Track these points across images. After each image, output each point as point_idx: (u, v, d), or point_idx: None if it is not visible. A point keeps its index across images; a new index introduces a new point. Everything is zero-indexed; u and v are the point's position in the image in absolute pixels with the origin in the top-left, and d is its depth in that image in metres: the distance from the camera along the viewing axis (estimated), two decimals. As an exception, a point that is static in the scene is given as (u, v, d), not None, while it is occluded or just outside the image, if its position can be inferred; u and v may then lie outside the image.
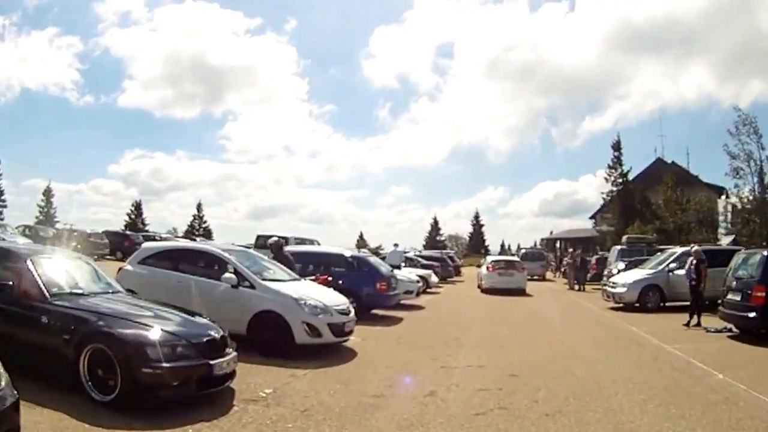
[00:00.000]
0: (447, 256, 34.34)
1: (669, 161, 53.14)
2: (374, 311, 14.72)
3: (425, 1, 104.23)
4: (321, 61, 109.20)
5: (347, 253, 15.19)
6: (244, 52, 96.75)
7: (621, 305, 17.79)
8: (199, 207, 73.34)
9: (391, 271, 15.54)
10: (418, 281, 18.01)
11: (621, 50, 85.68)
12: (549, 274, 39.23)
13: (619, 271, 21.24)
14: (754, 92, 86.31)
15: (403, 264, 25.02)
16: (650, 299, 17.61)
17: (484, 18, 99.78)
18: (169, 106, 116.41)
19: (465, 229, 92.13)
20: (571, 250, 28.54)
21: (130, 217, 68.00)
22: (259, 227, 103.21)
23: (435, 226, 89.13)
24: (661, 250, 21.33)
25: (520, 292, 23.69)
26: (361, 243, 77.86)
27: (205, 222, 72.92)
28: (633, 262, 21.78)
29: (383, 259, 21.46)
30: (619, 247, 25.48)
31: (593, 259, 28.52)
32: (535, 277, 35.44)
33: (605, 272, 22.92)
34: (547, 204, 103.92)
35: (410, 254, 29.37)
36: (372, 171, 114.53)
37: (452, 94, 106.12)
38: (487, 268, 25.41)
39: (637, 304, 17.43)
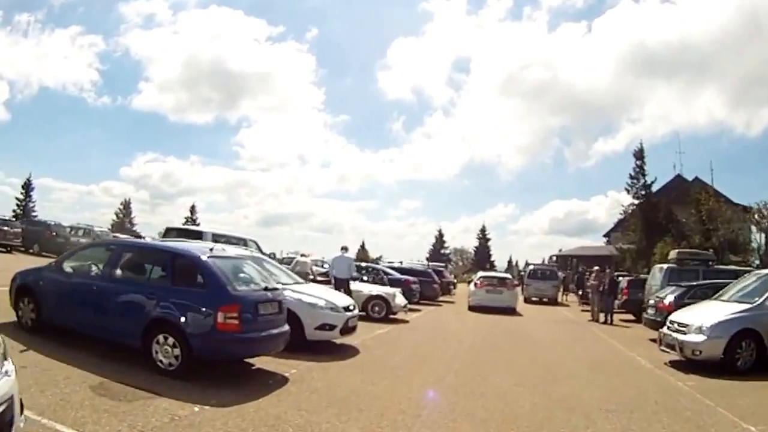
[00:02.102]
0: (434, 269, 26.14)
1: (689, 179, 45.39)
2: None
3: (445, 15, 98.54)
4: (338, 71, 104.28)
5: (189, 251, 7.50)
6: (264, 58, 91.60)
7: (685, 359, 10.08)
8: (192, 209, 66.63)
9: (270, 288, 7.68)
10: (351, 308, 10.13)
11: (635, 74, 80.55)
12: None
13: (673, 304, 13.34)
14: (766, 120, 78.46)
15: (365, 278, 17.39)
16: (743, 354, 9.77)
17: (502, 35, 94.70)
18: (184, 110, 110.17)
19: (473, 244, 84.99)
20: (596, 268, 20.37)
21: (117, 216, 61.60)
22: (268, 235, 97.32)
23: (440, 239, 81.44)
24: (741, 273, 13.38)
25: (510, 311, 20.40)
26: (363, 253, 71.83)
27: (198, 225, 66.24)
28: (692, 289, 13.89)
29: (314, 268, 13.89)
30: (665, 266, 17.41)
31: (624, 282, 20.38)
32: (545, 300, 27.59)
33: (649, 300, 14.89)
34: (557, 222, 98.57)
35: (378, 263, 21.40)
36: (383, 183, 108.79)
37: (466, 110, 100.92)
38: (475, 284, 21.89)
39: (722, 357, 9.64)
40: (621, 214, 48.21)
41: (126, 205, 61.05)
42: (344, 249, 14.50)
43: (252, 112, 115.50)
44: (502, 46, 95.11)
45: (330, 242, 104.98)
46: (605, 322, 18.62)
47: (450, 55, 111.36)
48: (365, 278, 17.68)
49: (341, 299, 10.14)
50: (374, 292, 14.73)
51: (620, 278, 21.04)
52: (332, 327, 9.40)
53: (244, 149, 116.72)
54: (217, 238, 17.65)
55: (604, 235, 57.89)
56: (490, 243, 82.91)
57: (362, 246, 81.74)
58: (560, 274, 33.54)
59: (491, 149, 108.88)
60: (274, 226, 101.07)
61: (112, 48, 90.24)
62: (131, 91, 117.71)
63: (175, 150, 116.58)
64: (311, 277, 15.00)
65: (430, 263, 27.04)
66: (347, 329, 9.75)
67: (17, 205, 52.25)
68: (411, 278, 19.76)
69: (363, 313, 14.53)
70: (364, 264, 20.38)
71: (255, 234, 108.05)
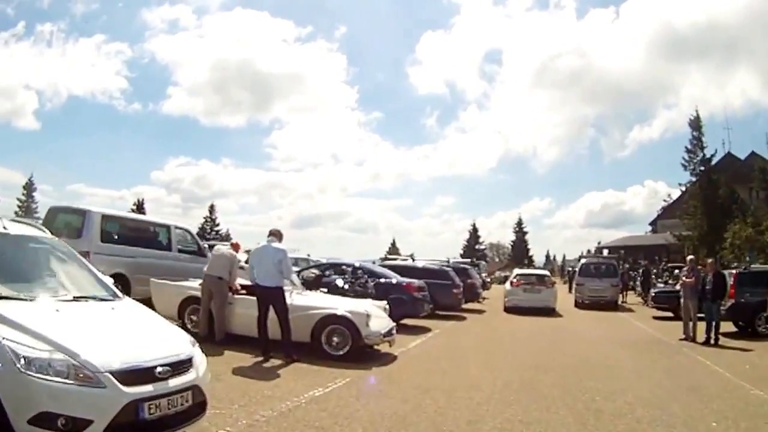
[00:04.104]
0: (455, 267, 18.05)
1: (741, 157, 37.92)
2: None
3: (471, 6, 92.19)
4: (369, 68, 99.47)
5: None
6: (293, 59, 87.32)
7: None
8: (211, 209, 62.01)
9: None
10: (159, 370, 3.65)
11: (667, 57, 73.96)
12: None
13: None
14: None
15: (339, 282, 11.09)
16: None
17: (532, 24, 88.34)
18: (216, 114, 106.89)
19: (510, 239, 77.94)
20: (690, 257, 13.26)
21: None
22: (303, 236, 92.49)
23: (474, 234, 74.43)
24: None
25: (549, 312, 18.16)
26: (394, 251, 65.86)
27: (217, 225, 61.51)
28: None
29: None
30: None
31: (730, 277, 13.22)
32: (601, 301, 20.51)
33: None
34: (594, 215, 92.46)
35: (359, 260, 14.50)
36: (418, 180, 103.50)
37: (500, 102, 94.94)
38: (511, 282, 19.57)
39: None
40: (665, 200, 41.92)
41: (139, 205, 56.48)
42: (273, 235, 8.08)
43: (284, 113, 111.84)
44: (533, 36, 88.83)
45: (365, 242, 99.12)
46: (707, 342, 11.67)
47: (480, 47, 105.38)
48: (340, 283, 11.24)
49: (114, 345, 3.68)
50: (333, 311, 8.22)
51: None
52: (76, 424, 3.05)
53: (276, 150, 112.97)
54: (109, 221, 11.82)
55: (650, 224, 50.58)
56: (527, 237, 76.00)
57: (393, 244, 75.55)
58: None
59: (526, 142, 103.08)
60: (308, 227, 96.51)
61: (139, 55, 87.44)
62: (160, 97, 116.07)
63: (207, 153, 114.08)
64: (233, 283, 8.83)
65: (451, 260, 20.06)
66: (138, 425, 3.36)
67: (18, 206, 48.90)
68: (416, 282, 12.93)
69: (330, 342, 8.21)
70: (334, 261, 13.92)
71: (289, 236, 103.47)
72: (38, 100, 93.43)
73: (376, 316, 8.45)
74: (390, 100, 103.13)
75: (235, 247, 9.70)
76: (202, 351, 4.59)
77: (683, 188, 35.68)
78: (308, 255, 20.71)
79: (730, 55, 68.90)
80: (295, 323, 8.01)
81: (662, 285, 21.30)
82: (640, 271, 26.12)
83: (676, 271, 27.04)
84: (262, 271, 7.81)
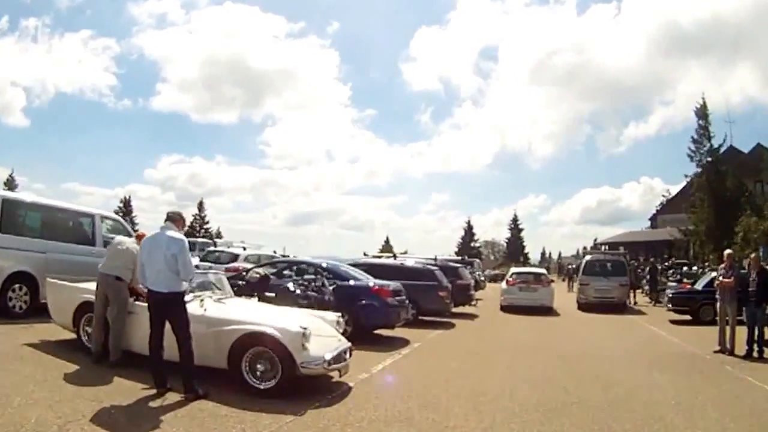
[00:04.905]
0: (443, 265, 15.36)
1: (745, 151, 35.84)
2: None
3: (468, 2, 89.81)
4: (362, 65, 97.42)
5: None
6: (285, 55, 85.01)
7: None
8: (200, 206, 59.50)
9: None
10: None
11: (667, 54, 72.35)
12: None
13: None
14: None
15: (291, 286, 8.73)
16: None
17: (530, 20, 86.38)
18: (207, 110, 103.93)
19: (505, 237, 75.48)
20: (728, 252, 10.77)
21: (117, 215, 54.71)
22: (298, 234, 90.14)
23: (469, 231, 72.12)
24: None
25: (546, 311, 17.26)
26: (387, 249, 63.44)
27: (207, 222, 59.06)
28: None
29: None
30: None
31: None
32: (608, 303, 18.12)
33: None
34: (589, 211, 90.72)
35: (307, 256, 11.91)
36: (413, 177, 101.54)
37: (496, 99, 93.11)
38: (507, 281, 18.85)
39: None
40: (664, 195, 41.23)
41: (126, 203, 54.19)
42: (169, 219, 5.71)
43: (277, 110, 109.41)
44: (530, 32, 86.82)
45: (360, 240, 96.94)
46: (749, 354, 9.30)
47: (476, 43, 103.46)
48: (293, 287, 8.80)
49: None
50: (256, 327, 5.76)
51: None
52: None
53: (270, 148, 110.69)
54: (14, 207, 9.53)
55: (649, 219, 48.59)
56: (523, 234, 73.59)
57: (386, 241, 73.04)
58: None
59: (521, 139, 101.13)
60: (303, 224, 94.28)
61: (127, 50, 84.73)
62: (150, 93, 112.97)
63: (200, 150, 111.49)
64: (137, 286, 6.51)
65: (439, 257, 17.60)
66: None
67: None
68: (390, 285, 10.28)
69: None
70: (283, 257, 11.48)
71: (284, 234, 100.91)
72: (26, 97, 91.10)
73: (319, 334, 6.01)
74: (383, 96, 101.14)
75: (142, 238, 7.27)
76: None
77: (689, 179, 33.58)
78: (274, 251, 18.26)
79: (729, 51, 67.20)
80: (205, 343, 5.64)
81: (675, 284, 19.06)
82: (647, 269, 23.78)
83: (684, 268, 24.96)
84: (152, 270, 5.40)
